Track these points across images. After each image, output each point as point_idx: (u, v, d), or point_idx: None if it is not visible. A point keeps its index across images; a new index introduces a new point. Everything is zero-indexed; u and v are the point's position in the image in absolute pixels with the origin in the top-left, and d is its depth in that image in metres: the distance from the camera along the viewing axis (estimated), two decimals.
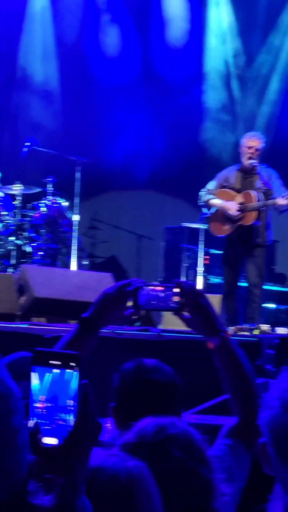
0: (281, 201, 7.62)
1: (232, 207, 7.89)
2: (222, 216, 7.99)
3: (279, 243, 11.27)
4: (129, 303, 2.38)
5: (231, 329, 7.30)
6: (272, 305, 10.35)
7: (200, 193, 8.13)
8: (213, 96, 11.95)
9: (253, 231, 7.91)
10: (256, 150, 7.90)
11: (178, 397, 2.50)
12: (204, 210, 8.21)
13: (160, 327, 6.76)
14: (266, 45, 11.94)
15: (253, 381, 2.27)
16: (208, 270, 8.25)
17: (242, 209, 7.89)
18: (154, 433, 1.77)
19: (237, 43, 11.95)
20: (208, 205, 8.08)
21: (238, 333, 7.21)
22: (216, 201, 8.01)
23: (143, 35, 11.98)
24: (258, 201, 7.83)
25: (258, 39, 11.98)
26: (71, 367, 1.45)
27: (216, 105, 11.89)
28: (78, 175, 9.00)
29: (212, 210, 8.07)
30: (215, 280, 8.96)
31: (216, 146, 11.74)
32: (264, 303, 8.59)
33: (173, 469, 1.72)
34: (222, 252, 8.33)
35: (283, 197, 7.61)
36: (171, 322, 6.29)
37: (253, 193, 7.89)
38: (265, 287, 8.25)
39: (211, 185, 8.15)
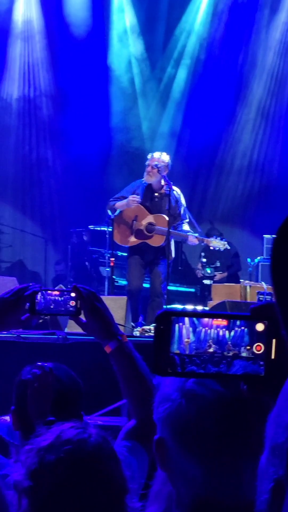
0: (192, 239, 7.84)
1: (134, 199, 7.90)
2: (128, 225, 8.01)
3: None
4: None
5: (138, 330, 7.36)
6: (179, 306, 10.44)
7: (109, 201, 8.13)
8: None
9: (160, 248, 7.98)
10: (159, 169, 7.84)
11: (80, 400, 2.51)
12: (109, 212, 8.21)
13: (67, 330, 6.75)
14: None
15: (150, 383, 2.29)
16: (114, 272, 8.27)
17: (151, 230, 7.93)
18: (73, 435, 1.76)
19: None
20: (114, 209, 8.06)
21: (145, 334, 7.27)
22: (121, 202, 8.01)
23: None
24: (169, 227, 7.84)
25: None
26: None
27: None
28: None
29: (117, 213, 8.07)
30: (122, 282, 9.01)
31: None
32: (171, 304, 8.67)
33: (90, 470, 1.74)
34: (127, 254, 8.37)
35: (195, 237, 7.83)
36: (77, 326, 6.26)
37: (165, 218, 7.86)
38: (171, 288, 8.33)
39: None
